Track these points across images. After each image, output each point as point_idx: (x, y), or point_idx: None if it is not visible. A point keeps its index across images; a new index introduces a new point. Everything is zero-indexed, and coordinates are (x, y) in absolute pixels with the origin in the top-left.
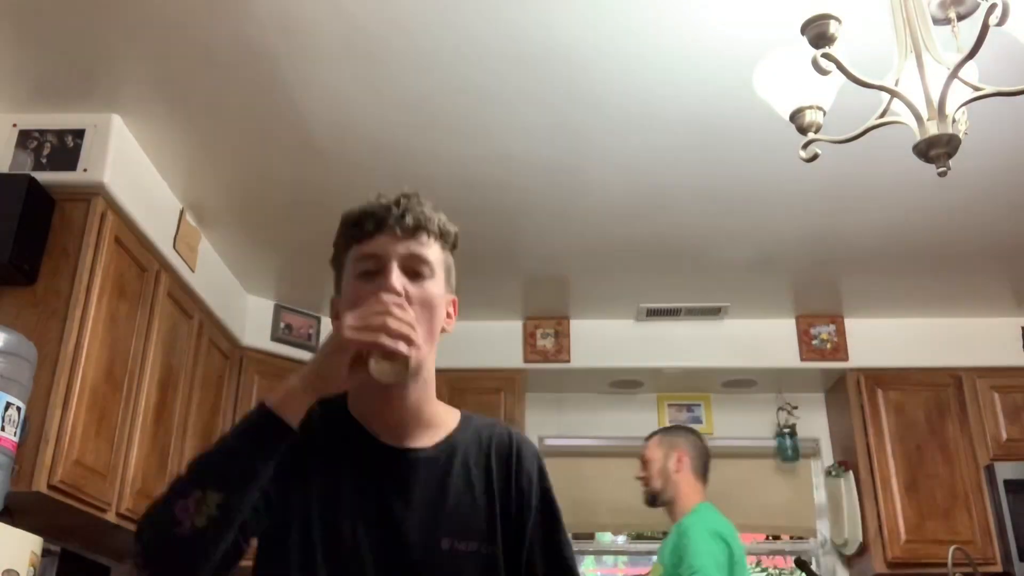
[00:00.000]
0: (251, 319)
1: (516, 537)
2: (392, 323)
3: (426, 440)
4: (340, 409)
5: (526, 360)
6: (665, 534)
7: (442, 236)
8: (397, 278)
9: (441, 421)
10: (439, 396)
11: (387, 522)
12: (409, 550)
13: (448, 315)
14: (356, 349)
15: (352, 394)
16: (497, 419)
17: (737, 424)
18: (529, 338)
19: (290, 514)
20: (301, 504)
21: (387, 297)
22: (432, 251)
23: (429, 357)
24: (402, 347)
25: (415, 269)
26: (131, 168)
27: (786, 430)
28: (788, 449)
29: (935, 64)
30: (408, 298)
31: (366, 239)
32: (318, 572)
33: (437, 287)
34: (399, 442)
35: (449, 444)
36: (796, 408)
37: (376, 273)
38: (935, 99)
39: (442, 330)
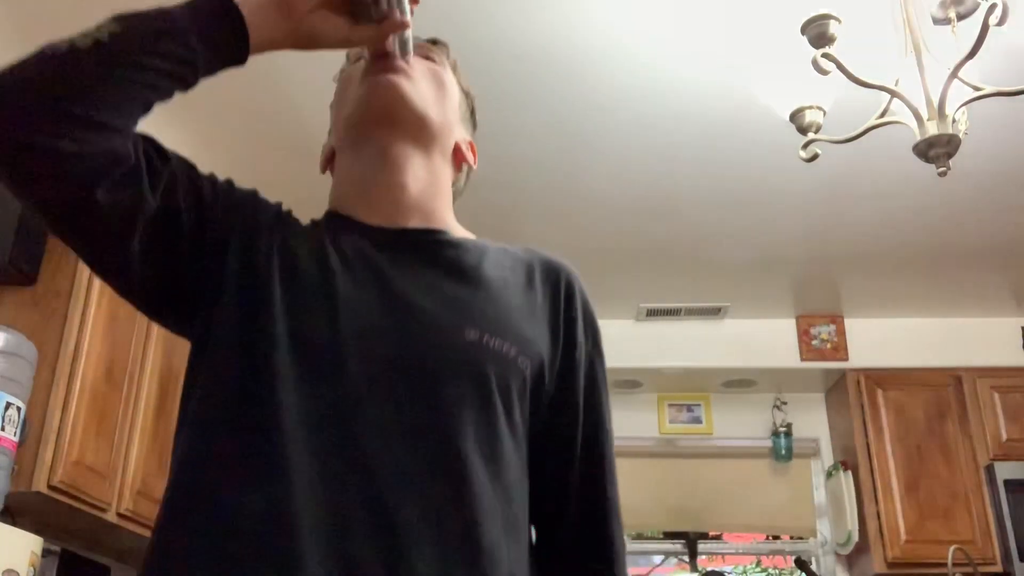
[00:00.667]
0: None
1: (551, 373)
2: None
3: (442, 229)
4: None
5: None
6: (665, 534)
7: (455, 71)
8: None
9: (459, 231)
10: None
11: (386, 306)
12: (415, 339)
13: (467, 156)
14: None
15: (337, 186)
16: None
17: (737, 424)
18: None
19: (245, 291)
20: (262, 284)
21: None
22: (447, 69)
23: (442, 166)
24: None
25: (425, 53)
26: None
27: (782, 429)
28: (782, 449)
29: (935, 64)
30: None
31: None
32: (277, 369)
33: (451, 80)
34: (407, 226)
35: (476, 244)
36: (786, 403)
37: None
38: (935, 99)
39: (462, 163)
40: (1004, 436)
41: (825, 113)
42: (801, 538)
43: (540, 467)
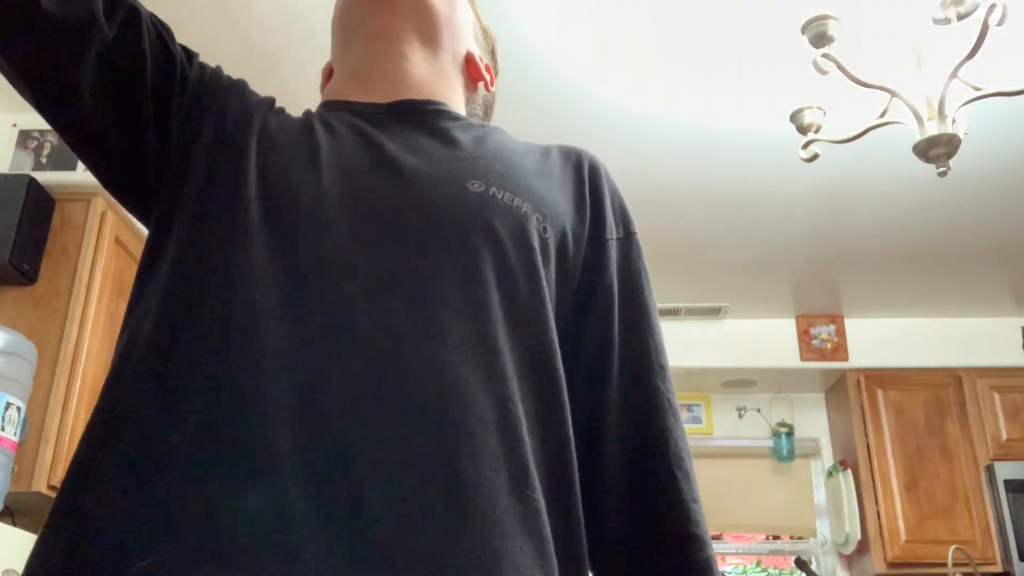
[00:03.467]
0: None
1: (577, 252)
2: None
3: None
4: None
5: None
6: None
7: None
8: None
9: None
10: None
11: (376, 167)
12: (411, 194)
13: (483, 74)
14: None
15: (331, 83)
16: None
17: (737, 424)
18: None
19: (217, 160)
20: (236, 153)
21: None
22: None
23: (450, 68)
24: None
25: None
26: None
27: (783, 430)
28: (783, 449)
29: (935, 64)
30: None
31: None
32: (250, 231)
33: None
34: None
35: (481, 124)
36: (778, 394)
37: None
38: (935, 99)
39: (477, 81)
40: (1004, 436)
41: (825, 113)
42: (801, 538)
43: (570, 382)
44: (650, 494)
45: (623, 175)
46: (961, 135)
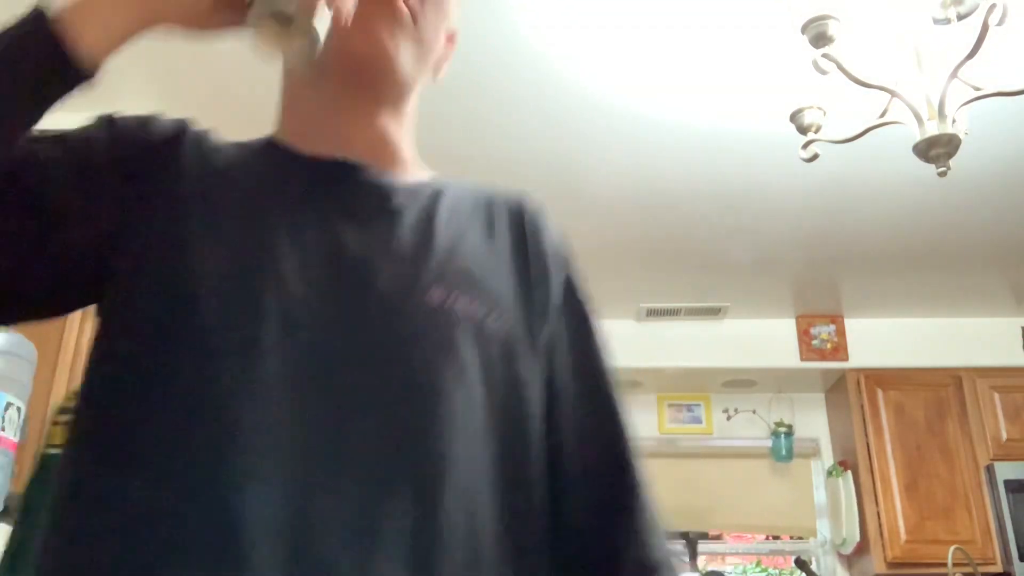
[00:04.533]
0: None
1: (531, 320)
2: None
3: (402, 176)
4: (261, 141)
5: None
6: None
7: None
8: None
9: (417, 168)
10: None
11: (334, 260)
12: (371, 302)
13: (448, 55)
14: None
15: (286, 111)
16: None
17: (737, 424)
18: None
19: (150, 245)
20: (171, 231)
21: None
22: None
23: (415, 77)
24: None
25: None
26: None
27: (781, 430)
28: (782, 449)
29: (935, 64)
30: None
31: None
32: (184, 340)
33: None
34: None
35: (432, 186)
36: (778, 394)
37: None
38: (935, 99)
39: (438, 66)
40: (1004, 436)
41: (825, 113)
42: (801, 538)
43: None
44: (616, 543)
45: (623, 173)
46: (961, 135)
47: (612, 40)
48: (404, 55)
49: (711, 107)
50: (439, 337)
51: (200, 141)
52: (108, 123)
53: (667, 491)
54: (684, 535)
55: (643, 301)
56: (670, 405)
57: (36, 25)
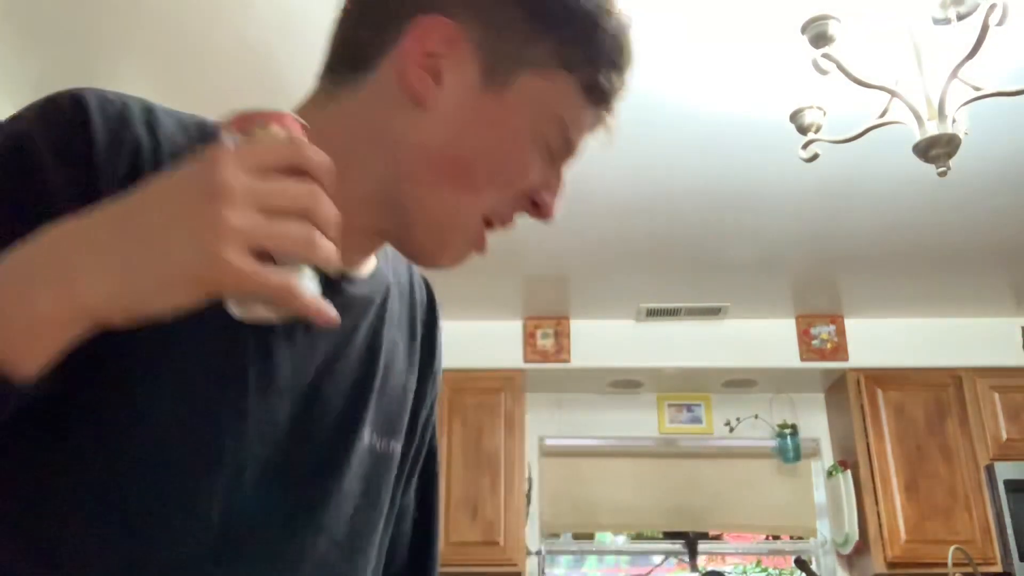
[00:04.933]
0: None
1: (407, 446)
2: (325, 249)
3: (358, 263)
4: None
5: (526, 360)
6: (665, 534)
7: None
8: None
9: (368, 231)
10: None
11: (287, 392)
12: (317, 443)
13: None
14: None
15: None
16: None
17: (741, 429)
18: (529, 338)
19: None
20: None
21: (331, 167)
22: None
23: None
24: (318, 311)
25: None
26: None
27: (787, 431)
28: (789, 450)
29: (935, 64)
30: None
31: (603, 105)
32: (118, 487)
33: None
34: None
35: (380, 279)
36: (778, 394)
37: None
38: (935, 99)
39: None
40: (1004, 436)
41: (825, 113)
42: (801, 538)
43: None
44: None
45: (623, 173)
46: (961, 135)
47: None
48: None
49: (711, 107)
50: (372, 482)
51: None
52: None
53: (667, 491)
54: (684, 535)
55: (643, 301)
56: (670, 405)
57: None
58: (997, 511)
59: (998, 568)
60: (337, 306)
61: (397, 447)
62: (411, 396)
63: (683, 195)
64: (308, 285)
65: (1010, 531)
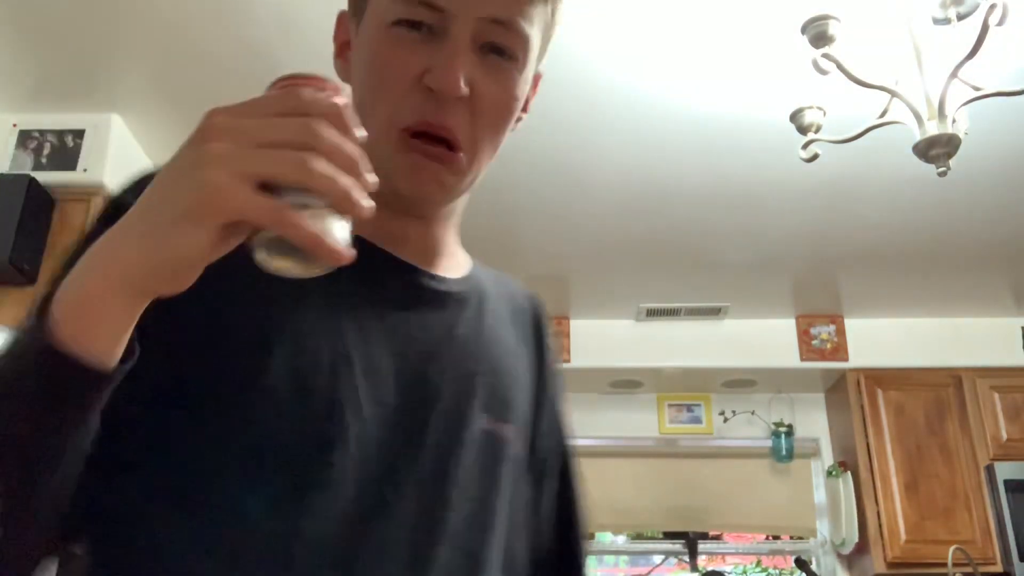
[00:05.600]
0: None
1: (535, 439)
2: (340, 184)
3: (446, 270)
4: None
5: None
6: (665, 534)
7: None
8: (464, 61)
9: (458, 255)
10: None
11: (400, 376)
12: (436, 425)
13: (526, 103)
14: (234, 224)
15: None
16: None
17: (735, 425)
18: None
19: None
20: (241, 343)
21: (339, 106)
22: (537, 10)
23: (484, 166)
24: (339, 244)
25: (502, 44)
26: (131, 168)
27: (782, 430)
28: (782, 449)
29: (935, 64)
30: (475, 100)
31: None
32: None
33: (524, 78)
34: (421, 264)
35: (476, 283)
36: (778, 394)
37: (429, 30)
38: (935, 99)
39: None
40: (1004, 436)
41: (825, 113)
42: (801, 538)
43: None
44: None
45: (623, 173)
46: (961, 135)
47: (612, 39)
48: (455, 190)
49: (711, 107)
50: (488, 463)
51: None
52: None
53: (667, 491)
54: (684, 535)
55: (643, 301)
56: (670, 405)
57: (47, 358)
58: (997, 511)
59: (998, 568)
60: (431, 297)
61: (511, 431)
62: (525, 385)
63: (683, 195)
64: (328, 229)
65: (1010, 531)
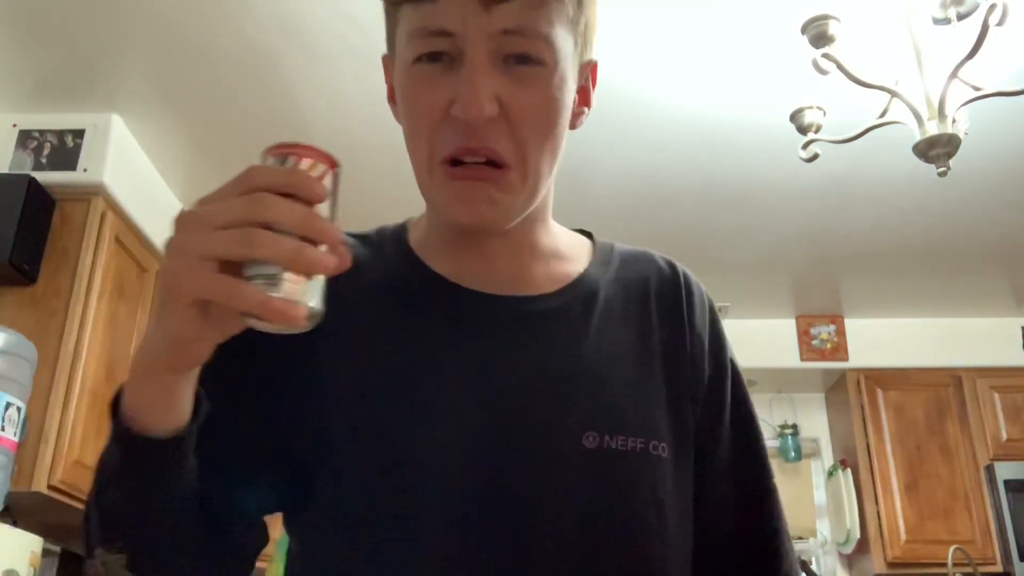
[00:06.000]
0: None
1: (686, 425)
2: (283, 248)
3: (544, 283)
4: (396, 241)
5: None
6: None
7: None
8: (485, 82)
9: (565, 253)
10: None
11: (483, 410)
12: (529, 450)
13: (585, 96)
14: (204, 302)
15: (427, 219)
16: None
17: None
18: None
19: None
20: (327, 396)
21: (288, 174)
22: (551, 7)
23: (546, 173)
24: (301, 319)
25: (524, 53)
26: (131, 168)
27: (787, 431)
28: (791, 450)
29: (935, 64)
30: (509, 113)
31: None
32: (358, 493)
33: (560, 77)
34: (502, 291)
35: (582, 288)
36: (778, 394)
37: (449, 58)
38: (935, 99)
39: (572, 123)
40: (1004, 436)
41: (825, 113)
42: (801, 538)
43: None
44: None
45: (623, 173)
46: (961, 135)
47: (611, 40)
48: (514, 207)
49: (711, 107)
50: (596, 482)
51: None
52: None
53: None
54: None
55: None
56: None
57: (120, 446)
58: (997, 511)
59: (998, 568)
60: (521, 324)
61: (645, 444)
62: (653, 390)
63: (683, 195)
64: (291, 291)
65: (1010, 531)
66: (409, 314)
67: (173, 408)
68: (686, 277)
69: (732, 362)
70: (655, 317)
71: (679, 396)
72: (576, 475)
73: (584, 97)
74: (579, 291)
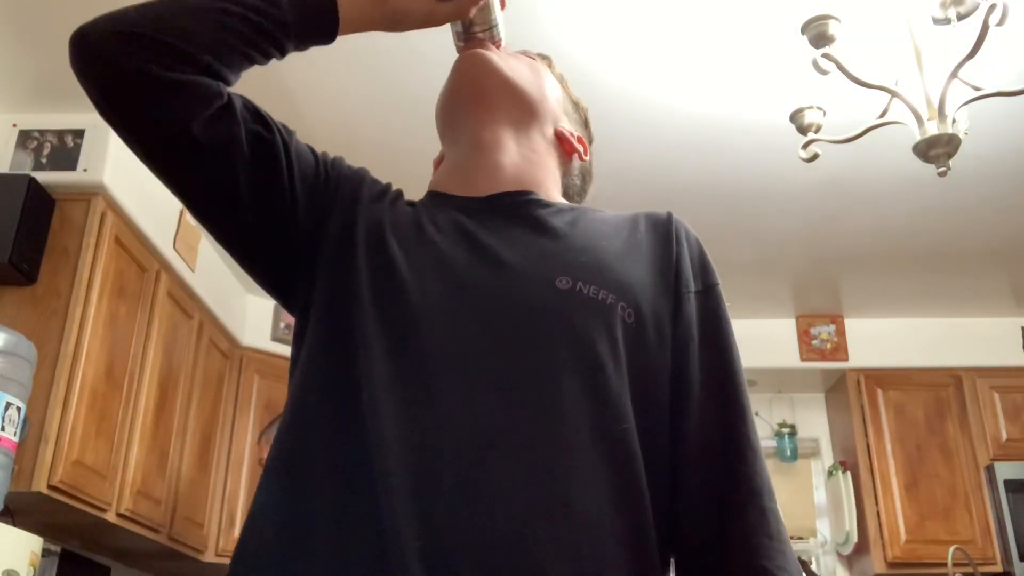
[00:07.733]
0: (251, 319)
1: (662, 326)
2: None
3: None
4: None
5: None
6: None
7: (562, 81)
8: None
9: (559, 199)
10: None
11: (474, 264)
12: (503, 294)
13: (575, 146)
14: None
15: (439, 172)
16: None
17: None
18: None
19: (337, 259)
20: (351, 254)
21: None
22: (545, 68)
23: (541, 145)
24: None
25: (523, 52)
26: (131, 168)
27: (785, 430)
28: (787, 450)
29: (935, 64)
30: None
31: None
32: (363, 336)
33: (549, 74)
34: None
35: (571, 207)
36: (778, 394)
37: None
38: (935, 99)
39: (571, 153)
40: (1004, 436)
41: (825, 113)
42: (801, 538)
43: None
44: (725, 529)
45: (623, 173)
46: (961, 135)
47: (612, 40)
48: (501, 62)
49: (711, 107)
50: (565, 318)
51: (393, 199)
52: (339, 157)
53: None
54: None
55: None
56: None
57: None
58: (997, 511)
59: (998, 568)
60: (512, 205)
61: (615, 301)
62: (636, 269)
63: (683, 195)
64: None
65: (1010, 531)
66: (426, 218)
67: (349, 26)
68: (677, 219)
69: (717, 286)
70: (643, 230)
71: (662, 291)
72: (547, 311)
73: (573, 147)
74: (570, 208)
